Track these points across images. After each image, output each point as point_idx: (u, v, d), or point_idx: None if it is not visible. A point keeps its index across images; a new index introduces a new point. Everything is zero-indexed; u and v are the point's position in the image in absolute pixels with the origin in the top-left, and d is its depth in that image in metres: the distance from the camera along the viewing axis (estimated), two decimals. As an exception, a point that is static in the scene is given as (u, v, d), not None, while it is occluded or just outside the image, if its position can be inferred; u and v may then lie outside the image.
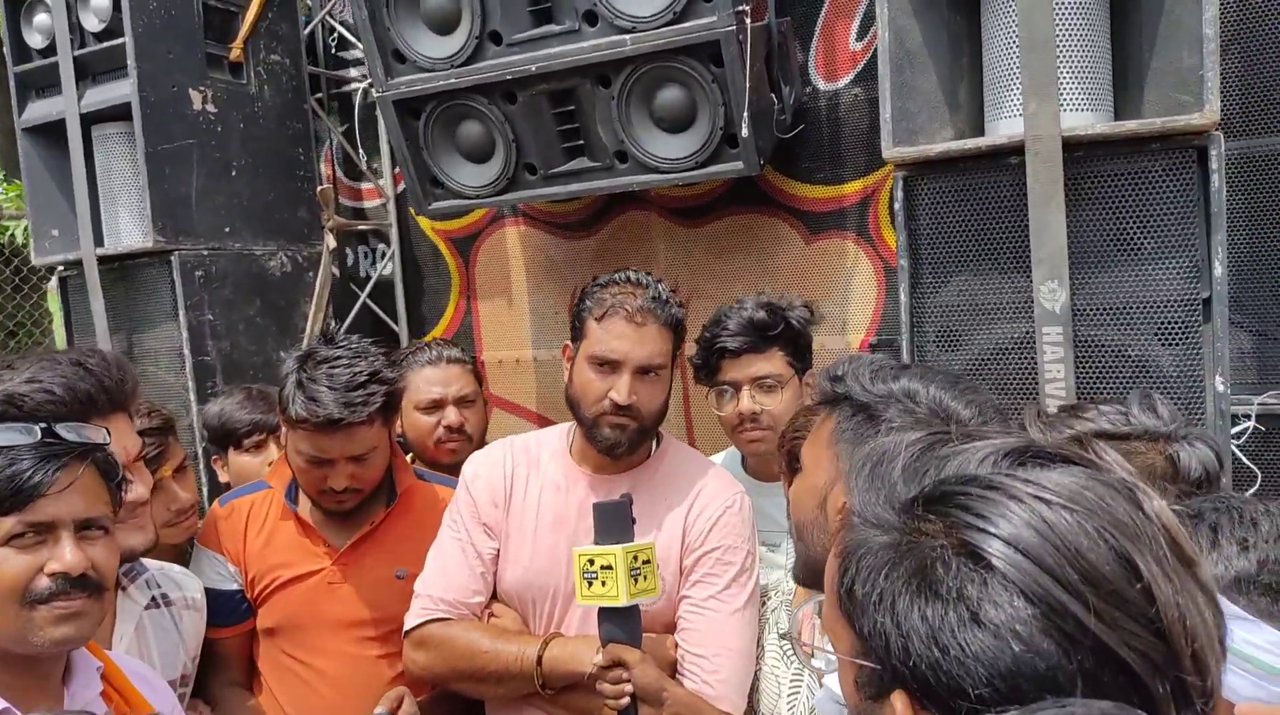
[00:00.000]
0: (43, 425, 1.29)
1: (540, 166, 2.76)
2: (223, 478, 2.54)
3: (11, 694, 1.23)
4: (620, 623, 1.65)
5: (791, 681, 1.69)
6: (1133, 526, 0.64)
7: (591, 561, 1.63)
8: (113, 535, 1.33)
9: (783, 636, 1.71)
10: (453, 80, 2.68)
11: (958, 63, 2.00)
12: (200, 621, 1.92)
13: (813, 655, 0.97)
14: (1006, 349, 1.89)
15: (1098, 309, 1.82)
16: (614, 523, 1.64)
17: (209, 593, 1.98)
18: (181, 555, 2.11)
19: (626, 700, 1.63)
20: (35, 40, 3.01)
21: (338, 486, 1.94)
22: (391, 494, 2.07)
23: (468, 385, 2.45)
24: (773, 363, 2.05)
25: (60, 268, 3.18)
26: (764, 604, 1.86)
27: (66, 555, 1.24)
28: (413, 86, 2.73)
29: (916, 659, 0.63)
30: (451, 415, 2.40)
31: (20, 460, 1.23)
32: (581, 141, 2.71)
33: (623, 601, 1.61)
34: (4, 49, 3.13)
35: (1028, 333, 1.85)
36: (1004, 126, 1.90)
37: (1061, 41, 1.82)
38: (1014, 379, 1.89)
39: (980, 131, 1.98)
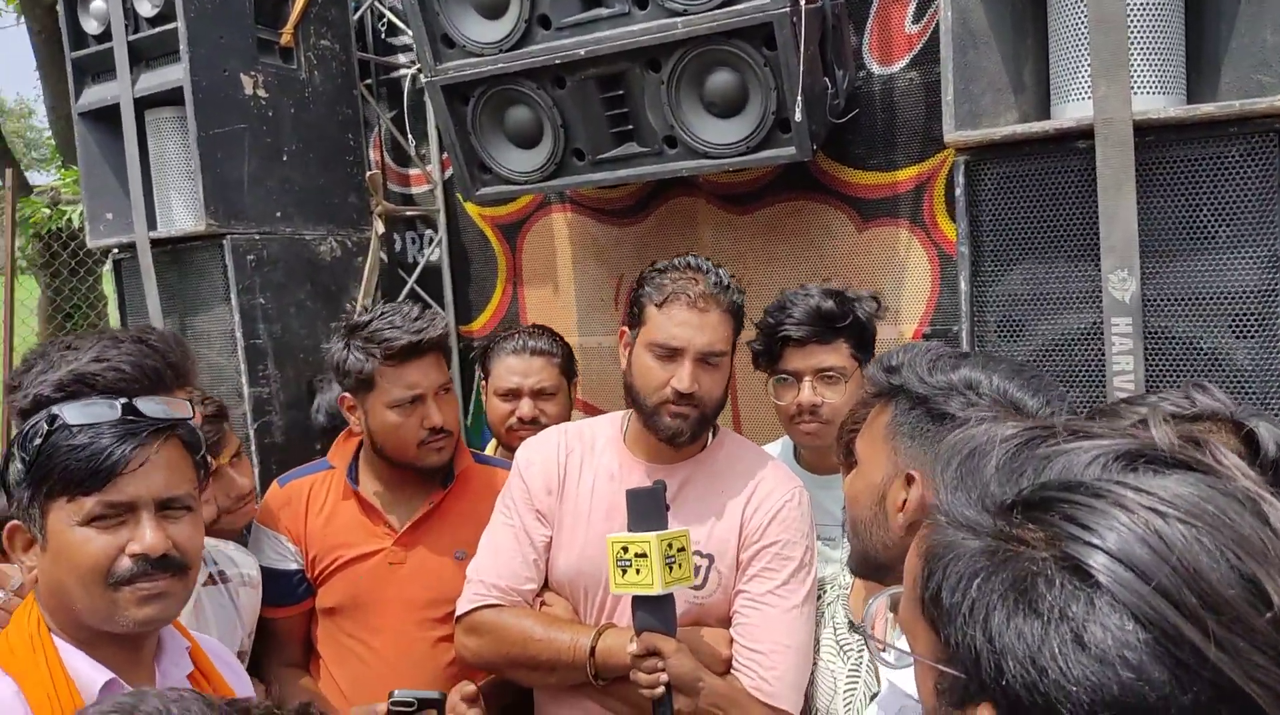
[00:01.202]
0: (123, 400, 1.27)
1: (588, 152, 2.73)
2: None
3: (113, 666, 1.24)
4: (654, 611, 1.64)
5: (848, 677, 1.66)
6: (1259, 544, 0.58)
7: (625, 549, 1.61)
8: (197, 512, 1.32)
9: (853, 629, 1.68)
10: (501, 65, 2.66)
11: (1022, 44, 1.93)
12: (256, 598, 1.93)
13: (884, 651, 0.93)
14: (1072, 340, 1.83)
15: (1169, 299, 1.75)
16: (648, 510, 1.62)
17: (268, 572, 2.00)
18: (240, 541, 2.13)
19: (661, 690, 1.61)
20: (91, 26, 3.04)
21: (438, 421, 1.98)
22: (449, 475, 2.09)
23: (548, 378, 2.42)
24: (837, 354, 2.00)
25: (115, 251, 3.22)
26: (819, 598, 1.83)
27: (146, 536, 1.23)
28: (461, 71, 2.72)
29: (1010, 678, 0.58)
30: (525, 407, 2.38)
31: (99, 438, 1.22)
32: (630, 126, 2.68)
33: (657, 590, 1.58)
34: (62, 36, 3.16)
35: (1095, 323, 1.79)
36: (1071, 110, 1.84)
37: (1133, 21, 1.75)
38: (1080, 371, 1.83)
39: (1046, 115, 1.92)
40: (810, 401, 1.99)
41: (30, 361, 1.45)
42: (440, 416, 1.99)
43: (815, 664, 1.75)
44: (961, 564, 0.63)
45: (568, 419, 2.49)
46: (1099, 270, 1.76)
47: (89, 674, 1.22)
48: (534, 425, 2.36)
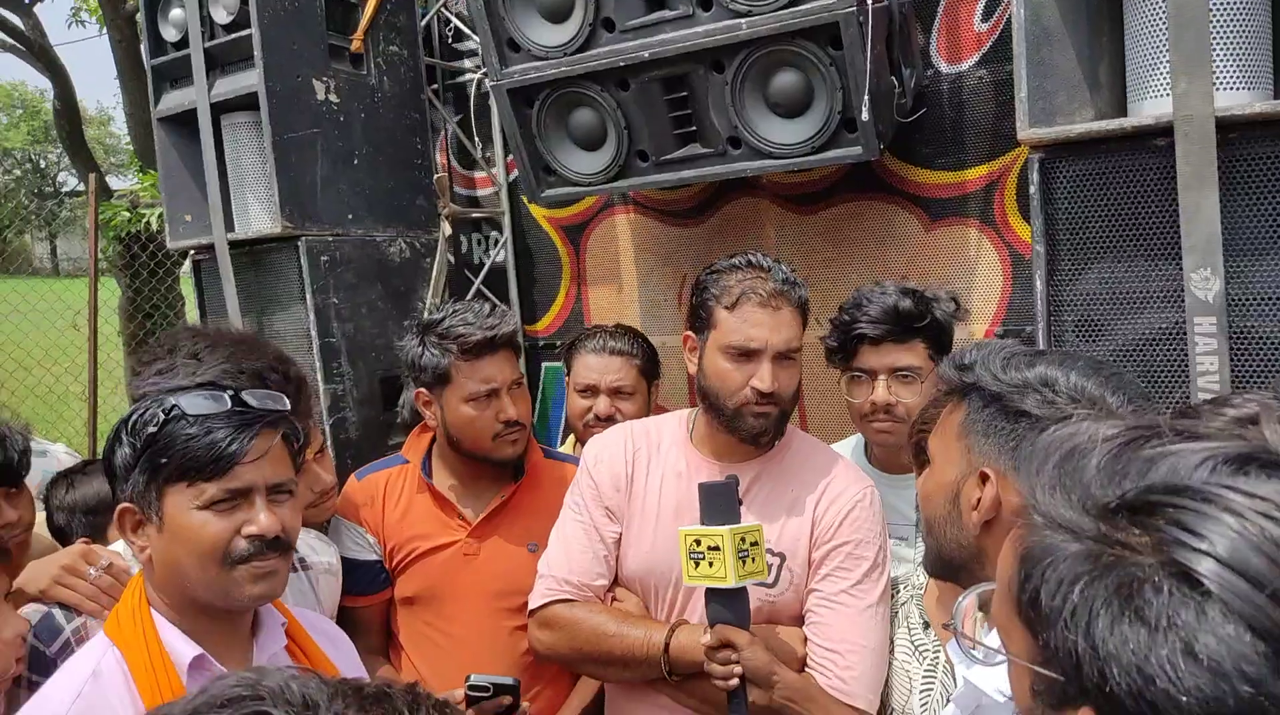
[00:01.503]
0: (231, 392, 1.34)
1: (652, 153, 2.74)
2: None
3: (208, 642, 1.32)
4: (728, 604, 1.64)
5: (924, 677, 1.64)
6: None
7: (698, 542, 1.61)
8: (297, 497, 1.41)
9: (945, 626, 1.66)
10: (565, 68, 2.68)
11: (1098, 40, 1.89)
12: (336, 586, 1.99)
13: (975, 649, 0.92)
14: (1153, 340, 1.78)
15: (1255, 299, 1.69)
16: (721, 503, 1.62)
17: (348, 562, 2.05)
18: (322, 533, 2.18)
19: (735, 682, 1.61)
20: (169, 34, 3.14)
21: (513, 414, 2.04)
22: (519, 469, 2.12)
23: (626, 377, 2.44)
24: (914, 354, 1.98)
25: (193, 252, 3.33)
26: (893, 597, 1.82)
27: (262, 519, 1.31)
28: (526, 75, 2.75)
29: (1115, 685, 0.57)
30: (602, 404, 2.42)
31: (217, 429, 1.29)
32: (694, 128, 2.68)
33: (731, 582, 1.59)
34: (141, 43, 3.27)
35: (1177, 323, 1.74)
36: (1150, 106, 1.79)
37: (1215, 15, 1.70)
38: (1162, 372, 1.78)
39: (1122, 112, 1.87)
40: (885, 400, 1.97)
41: (157, 351, 1.53)
42: (514, 410, 2.04)
43: (890, 664, 1.74)
44: (1062, 568, 0.62)
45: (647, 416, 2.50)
46: (1180, 269, 1.71)
47: (181, 648, 1.30)
48: (609, 423, 2.38)
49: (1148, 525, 0.60)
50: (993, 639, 0.73)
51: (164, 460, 1.28)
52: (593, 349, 2.47)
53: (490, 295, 3.65)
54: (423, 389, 2.09)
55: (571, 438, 2.67)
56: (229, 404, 1.33)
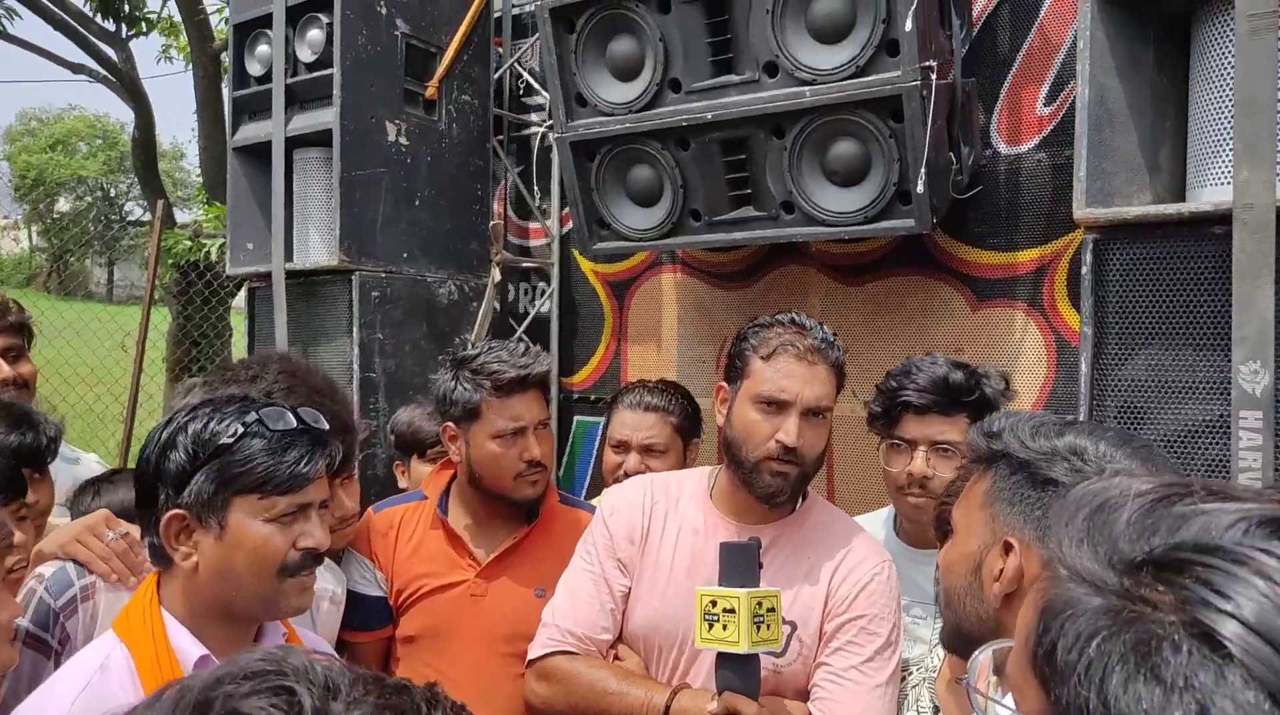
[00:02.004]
0: (289, 409, 1.41)
1: (705, 213, 2.78)
2: (402, 483, 2.65)
3: (213, 645, 1.36)
4: (739, 670, 1.59)
5: (932, 759, 1.59)
6: None
7: (714, 603, 1.57)
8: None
9: (958, 681, 1.61)
10: (629, 125, 2.75)
11: (1161, 125, 1.90)
12: (336, 617, 1.98)
13: (987, 706, 0.89)
14: (1197, 432, 1.75)
15: (1306, 395, 1.67)
16: (740, 565, 1.59)
17: (353, 596, 2.04)
18: (336, 562, 2.19)
19: None
20: (254, 69, 3.28)
21: (537, 454, 2.04)
22: (534, 512, 2.11)
23: (659, 435, 2.41)
24: (957, 429, 1.94)
25: (250, 279, 3.41)
26: (904, 679, 1.77)
27: (318, 534, 1.38)
28: (590, 129, 2.82)
29: None
30: (632, 461, 2.39)
31: (296, 446, 1.35)
32: (749, 190, 2.72)
33: (743, 648, 1.54)
34: (222, 80, 3.41)
35: (1222, 416, 1.72)
36: (1209, 194, 1.80)
37: (1281, 107, 1.71)
38: (1203, 465, 1.75)
39: (1181, 198, 1.88)
40: (922, 472, 1.94)
41: (222, 377, 1.59)
42: (538, 450, 2.04)
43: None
44: (1081, 621, 0.60)
45: None
46: (1229, 361, 1.69)
47: (188, 648, 1.33)
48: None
49: (1174, 583, 0.59)
50: (1007, 702, 0.71)
51: (240, 471, 1.33)
52: (629, 404, 2.46)
53: (530, 344, 3.68)
54: (450, 423, 2.10)
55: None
56: (294, 422, 1.38)
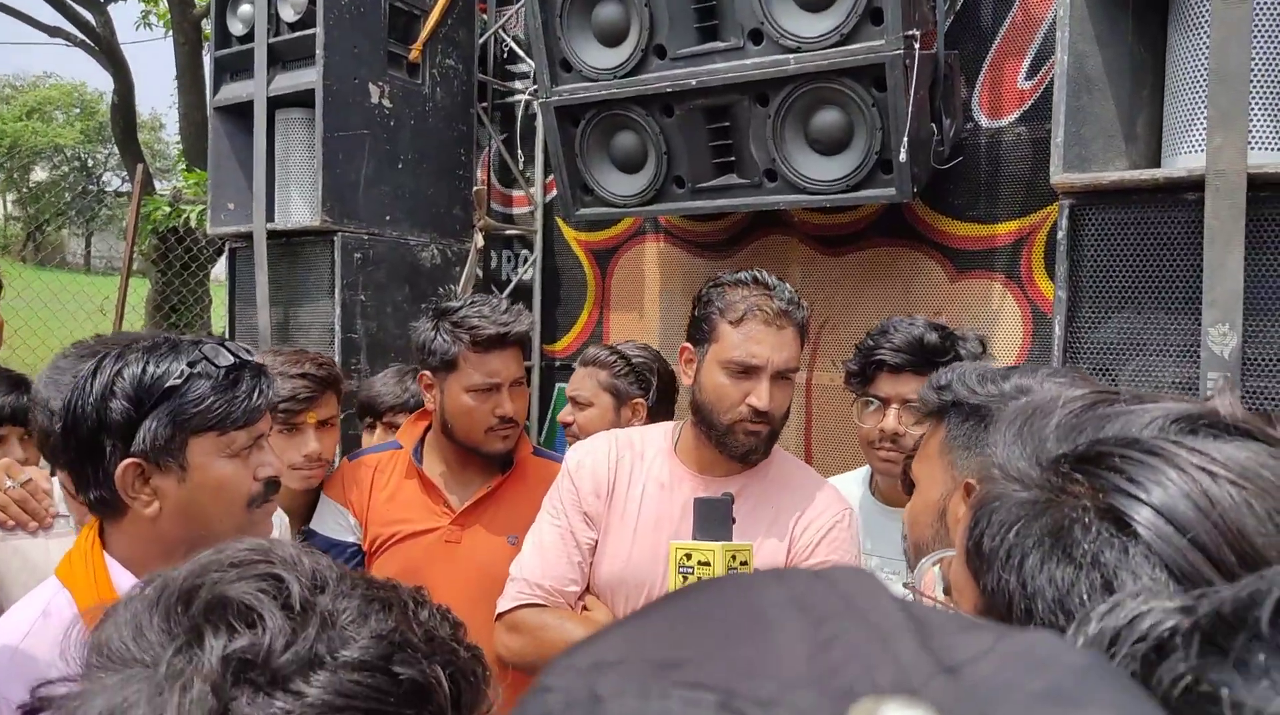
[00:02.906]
0: (223, 345, 1.37)
1: (689, 180, 2.79)
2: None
3: None
4: None
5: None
6: None
7: (689, 556, 1.60)
8: None
9: (905, 586, 1.65)
10: (614, 90, 2.75)
11: (1138, 93, 1.93)
12: None
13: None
14: (1166, 391, 1.79)
15: (1272, 360, 1.71)
16: (714, 520, 1.61)
17: (325, 541, 2.06)
18: (305, 508, 2.19)
19: None
20: (236, 28, 3.25)
21: (509, 411, 2.06)
22: (507, 462, 2.14)
23: (582, 387, 2.50)
24: None
25: (231, 239, 3.40)
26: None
27: (275, 461, 1.38)
28: (575, 94, 2.82)
29: (1039, 621, 0.59)
30: (564, 411, 2.49)
31: (244, 379, 1.34)
32: (733, 158, 2.74)
33: None
34: (203, 42, 3.38)
35: (1191, 377, 1.75)
36: (1183, 161, 1.83)
37: (1256, 73, 1.74)
38: (1171, 424, 1.79)
39: (1156, 165, 1.91)
40: (894, 428, 1.97)
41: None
42: (511, 407, 2.06)
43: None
44: (1004, 512, 0.64)
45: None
46: (1199, 324, 1.73)
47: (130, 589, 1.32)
48: (567, 433, 2.46)
49: (1092, 473, 0.62)
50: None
51: (195, 411, 1.30)
52: (580, 359, 2.57)
53: (513, 302, 3.69)
54: (427, 372, 2.12)
55: None
56: (232, 357, 1.36)
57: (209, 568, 0.68)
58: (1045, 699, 0.29)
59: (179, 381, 1.30)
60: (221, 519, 1.33)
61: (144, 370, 1.30)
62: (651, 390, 2.55)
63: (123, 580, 1.31)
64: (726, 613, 0.32)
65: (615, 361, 2.52)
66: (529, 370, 2.90)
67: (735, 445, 1.78)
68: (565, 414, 2.49)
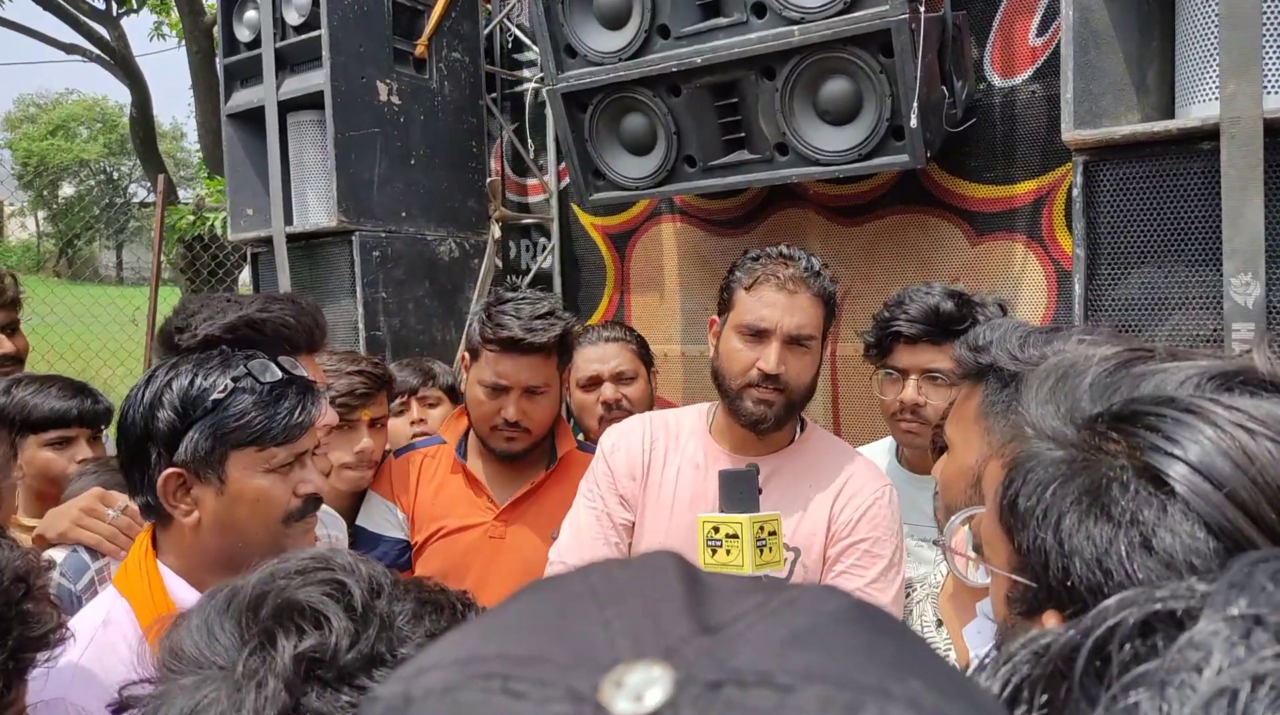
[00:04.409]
0: (274, 362, 1.39)
1: (700, 159, 2.78)
2: (461, 387, 2.68)
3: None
4: None
5: (935, 675, 1.62)
6: None
7: (716, 529, 1.60)
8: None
9: (934, 543, 1.64)
10: (620, 73, 2.75)
11: (1147, 45, 1.89)
12: None
13: (960, 562, 0.92)
14: (1191, 346, 1.77)
15: (1298, 306, 1.68)
16: (741, 491, 1.61)
17: (373, 537, 2.09)
18: (351, 507, 2.22)
19: None
20: (243, 34, 3.27)
21: (510, 416, 2.03)
22: (552, 457, 2.15)
23: (626, 362, 2.47)
24: (947, 357, 1.94)
25: (252, 245, 3.44)
26: (908, 595, 1.80)
27: (317, 479, 1.38)
28: (581, 80, 2.82)
29: (1077, 580, 0.59)
30: (608, 391, 2.43)
31: (289, 396, 1.35)
32: (742, 134, 2.72)
33: (748, 571, 1.56)
34: (215, 48, 3.41)
35: (1216, 330, 1.73)
36: (1197, 110, 1.79)
37: (1267, 17, 1.70)
38: (1197, 378, 1.76)
39: (1169, 116, 1.87)
40: (912, 400, 1.95)
41: (192, 309, 1.57)
42: (515, 413, 2.03)
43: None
44: (1041, 471, 0.64)
45: (649, 407, 2.49)
46: (1220, 275, 1.70)
47: (186, 598, 1.33)
48: (618, 408, 2.41)
49: (1128, 432, 0.62)
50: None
51: (235, 426, 1.32)
52: (589, 342, 2.50)
53: (558, 309, 3.70)
54: (466, 354, 2.14)
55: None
56: (279, 372, 1.38)
57: (275, 576, 0.71)
58: (786, 642, 0.31)
59: (222, 395, 1.32)
60: (257, 532, 1.34)
61: (191, 382, 1.33)
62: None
63: (176, 587, 1.34)
64: (534, 609, 0.35)
65: (633, 335, 2.55)
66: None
67: (744, 411, 1.76)
68: (609, 393, 2.43)
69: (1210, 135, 1.70)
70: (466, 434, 2.21)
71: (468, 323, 2.14)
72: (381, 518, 2.13)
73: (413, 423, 2.50)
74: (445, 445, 2.20)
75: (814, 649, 0.30)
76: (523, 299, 2.08)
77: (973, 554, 1.00)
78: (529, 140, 3.74)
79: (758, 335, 1.74)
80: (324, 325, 1.62)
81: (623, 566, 0.37)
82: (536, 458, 2.16)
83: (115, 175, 32.32)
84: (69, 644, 1.30)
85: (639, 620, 0.32)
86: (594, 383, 2.46)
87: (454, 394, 2.64)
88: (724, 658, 0.30)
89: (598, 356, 2.47)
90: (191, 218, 6.97)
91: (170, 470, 1.32)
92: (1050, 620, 0.62)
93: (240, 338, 1.46)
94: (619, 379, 2.45)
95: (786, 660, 0.30)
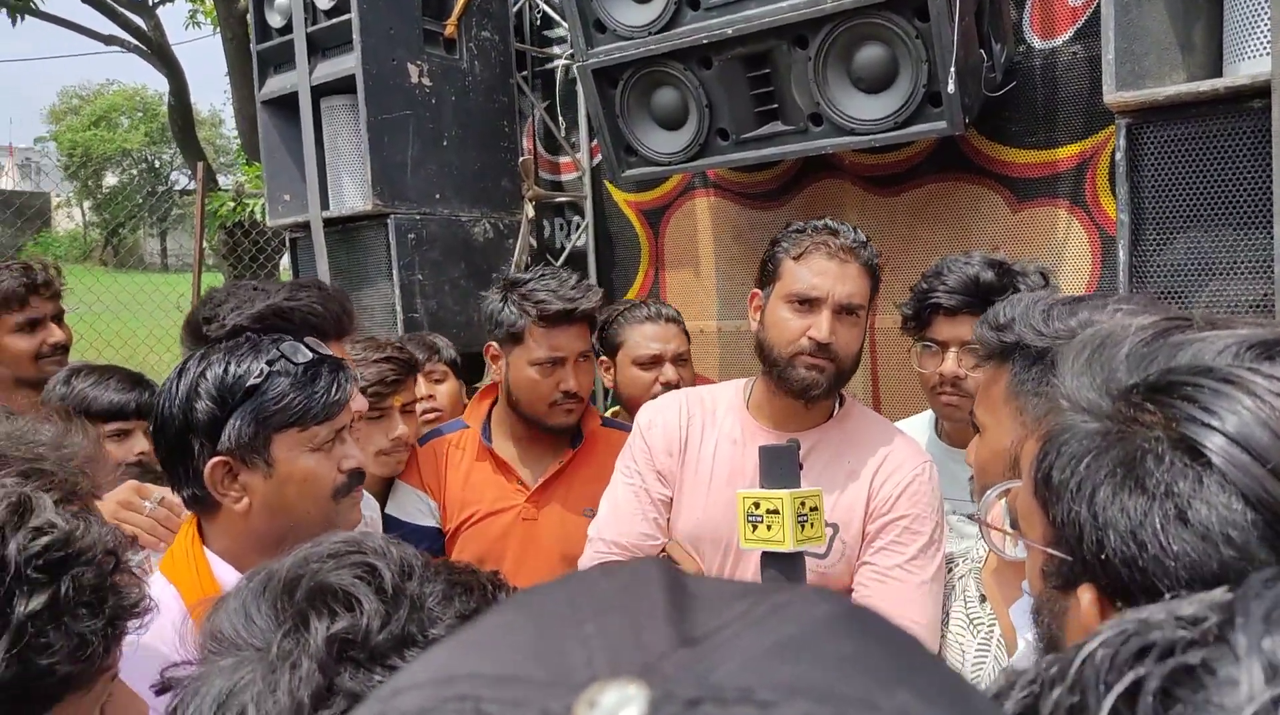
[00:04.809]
0: (301, 343, 1.40)
1: (733, 132, 2.75)
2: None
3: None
4: (784, 568, 1.60)
5: (977, 651, 1.61)
6: None
7: (757, 505, 1.59)
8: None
9: (970, 517, 1.63)
10: (650, 47, 2.72)
11: (1192, 2, 1.83)
12: None
13: (997, 536, 0.91)
14: (1240, 312, 1.72)
15: (1353, 269, 1.62)
16: (782, 466, 1.60)
17: (406, 527, 2.10)
18: (378, 494, 2.23)
19: None
20: (275, 20, 3.29)
21: (573, 386, 2.06)
22: (577, 436, 2.15)
23: (684, 344, 2.48)
24: None
25: (290, 230, 3.47)
26: (950, 571, 1.78)
27: (358, 453, 1.41)
28: (611, 55, 2.79)
29: (1111, 553, 0.59)
30: (669, 372, 2.42)
31: (323, 375, 1.37)
32: (775, 105, 2.68)
33: (789, 547, 1.56)
34: (249, 35, 3.44)
35: (1266, 294, 1.68)
36: (1246, 68, 1.73)
37: (1321, -30, 1.63)
38: (1248, 345, 1.71)
39: (1216, 75, 1.81)
40: (953, 372, 1.92)
41: (219, 298, 1.59)
42: (575, 382, 2.07)
43: (944, 637, 1.70)
44: (1075, 443, 0.63)
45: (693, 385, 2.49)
46: (1271, 238, 1.65)
47: (231, 580, 1.34)
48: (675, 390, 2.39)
49: (1164, 403, 0.61)
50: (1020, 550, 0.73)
51: (276, 409, 1.34)
52: (648, 317, 2.47)
53: (583, 277, 3.70)
54: (494, 343, 2.14)
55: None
56: (310, 352, 1.39)
57: (309, 559, 0.73)
58: (771, 653, 0.30)
59: (259, 380, 1.34)
60: (309, 511, 1.37)
61: (226, 370, 1.35)
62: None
63: (223, 572, 1.37)
64: (513, 624, 0.34)
65: (676, 315, 2.53)
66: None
67: (795, 379, 1.74)
68: (671, 375, 2.41)
69: (1261, 93, 1.64)
70: (489, 416, 2.21)
71: (487, 315, 2.13)
72: (414, 507, 2.15)
73: (421, 399, 2.50)
74: (469, 430, 2.21)
75: (799, 660, 0.29)
76: (541, 276, 2.10)
77: (1009, 529, 0.98)
78: (560, 118, 3.72)
79: (808, 303, 1.72)
80: (352, 311, 1.63)
81: (605, 577, 0.36)
82: (562, 436, 2.17)
83: (157, 164, 32.83)
84: (154, 614, 1.34)
85: (618, 635, 0.31)
86: (656, 362, 2.44)
87: (457, 368, 2.65)
88: (704, 672, 0.29)
89: (659, 336, 2.45)
90: (232, 204, 7.06)
91: (216, 459, 1.34)
92: (1085, 594, 0.61)
93: (269, 327, 1.47)
94: (678, 360, 2.44)
95: (769, 674, 0.29)
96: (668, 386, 2.39)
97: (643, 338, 2.46)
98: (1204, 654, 0.38)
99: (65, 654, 0.77)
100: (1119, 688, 0.38)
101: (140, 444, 2.04)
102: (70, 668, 0.77)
